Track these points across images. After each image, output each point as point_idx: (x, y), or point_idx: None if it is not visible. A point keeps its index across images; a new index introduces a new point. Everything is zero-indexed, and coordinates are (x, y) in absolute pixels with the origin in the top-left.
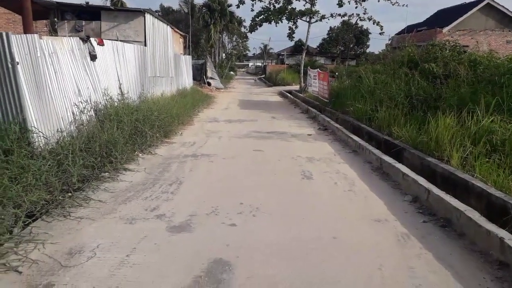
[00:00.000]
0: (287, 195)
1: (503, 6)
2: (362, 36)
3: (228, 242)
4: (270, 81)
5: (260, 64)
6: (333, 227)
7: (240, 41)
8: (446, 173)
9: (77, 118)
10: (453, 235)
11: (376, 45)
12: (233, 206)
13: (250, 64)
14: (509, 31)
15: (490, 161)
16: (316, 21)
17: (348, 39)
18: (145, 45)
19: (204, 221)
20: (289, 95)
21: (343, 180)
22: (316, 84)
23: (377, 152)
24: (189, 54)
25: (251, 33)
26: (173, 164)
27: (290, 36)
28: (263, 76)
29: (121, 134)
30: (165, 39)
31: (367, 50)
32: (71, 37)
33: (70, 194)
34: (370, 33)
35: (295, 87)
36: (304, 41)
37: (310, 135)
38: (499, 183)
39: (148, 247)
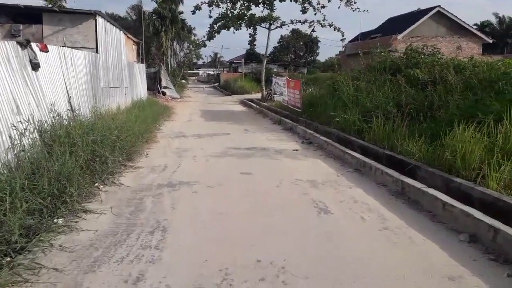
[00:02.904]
0: (312, 243)
1: (452, 14)
2: (312, 44)
3: None
4: (227, 89)
5: (212, 72)
6: None
7: (193, 49)
8: (488, 198)
9: (16, 143)
10: None
11: (325, 52)
12: (249, 267)
13: (201, 72)
14: (458, 37)
15: None
16: (276, 27)
17: (298, 47)
18: (97, 51)
19: None
20: (252, 104)
21: (369, 213)
22: (285, 93)
23: (392, 172)
24: (142, 62)
25: (209, 41)
26: (147, 198)
27: (251, 43)
28: (217, 84)
29: (75, 162)
30: (118, 46)
31: (317, 58)
32: (6, 42)
33: (9, 259)
34: (319, 41)
35: (255, 95)
36: (257, 49)
37: (296, 150)
38: None
39: None
